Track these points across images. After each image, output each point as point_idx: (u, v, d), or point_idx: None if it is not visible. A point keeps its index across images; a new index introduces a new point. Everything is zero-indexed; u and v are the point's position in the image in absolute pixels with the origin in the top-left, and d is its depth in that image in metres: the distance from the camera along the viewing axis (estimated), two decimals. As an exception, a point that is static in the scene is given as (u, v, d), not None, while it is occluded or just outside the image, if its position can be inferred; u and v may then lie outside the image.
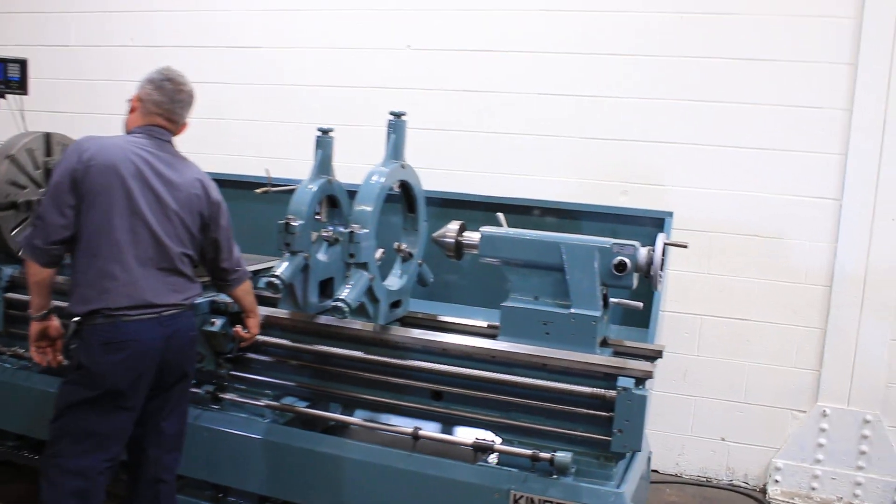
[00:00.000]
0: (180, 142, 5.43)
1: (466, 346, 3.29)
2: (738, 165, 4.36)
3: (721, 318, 4.50)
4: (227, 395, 3.63)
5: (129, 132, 3.01)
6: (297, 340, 3.54)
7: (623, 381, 3.01)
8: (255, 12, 5.27)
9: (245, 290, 3.33)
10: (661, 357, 3.41)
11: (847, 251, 4.21)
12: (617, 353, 3.42)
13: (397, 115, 3.51)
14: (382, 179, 3.38)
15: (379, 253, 3.52)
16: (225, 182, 4.75)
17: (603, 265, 3.19)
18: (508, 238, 3.33)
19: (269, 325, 3.58)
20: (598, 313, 3.17)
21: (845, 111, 4.14)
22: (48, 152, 4.16)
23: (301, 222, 3.49)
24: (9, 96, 4.56)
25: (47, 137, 4.17)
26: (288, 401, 3.70)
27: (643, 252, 3.17)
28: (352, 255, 3.26)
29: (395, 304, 3.65)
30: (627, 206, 4.33)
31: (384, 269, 3.77)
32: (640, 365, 3.07)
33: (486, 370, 3.23)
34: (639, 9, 4.44)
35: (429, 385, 3.34)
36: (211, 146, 5.45)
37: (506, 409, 3.24)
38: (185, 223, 2.96)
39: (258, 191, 3.78)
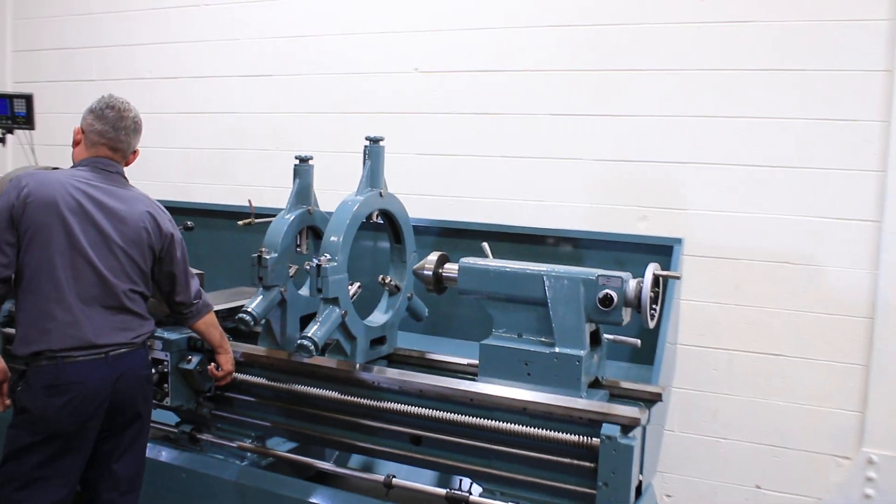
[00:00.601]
0: (193, 172, 5.47)
1: (443, 387, 3.04)
2: (766, 186, 3.97)
3: (752, 354, 4.09)
4: (205, 436, 3.48)
5: (74, 166, 2.90)
6: (274, 379, 3.35)
7: (608, 429, 2.71)
8: (268, 40, 5.17)
9: (207, 324, 3.16)
10: (660, 400, 3.08)
11: (890, 278, 3.75)
12: (613, 396, 3.12)
13: (374, 141, 3.32)
14: (354, 208, 3.18)
15: (354, 287, 3.32)
16: (240, 214, 4.68)
17: (588, 299, 2.90)
18: (488, 270, 3.08)
19: (247, 363, 3.42)
20: (582, 352, 2.88)
21: (882, 123, 3.71)
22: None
23: (274, 255, 3.32)
24: (17, 131, 4.59)
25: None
26: (274, 441, 3.55)
27: (632, 284, 2.87)
28: (319, 290, 3.07)
29: (380, 341, 3.43)
30: (639, 232, 3.99)
31: (372, 303, 3.57)
32: (627, 410, 2.76)
33: (465, 414, 2.98)
34: (653, 21, 4.13)
35: (406, 429, 3.11)
36: (226, 177, 5.39)
37: (487, 456, 2.97)
38: (133, 258, 2.82)
39: (241, 223, 3.63)
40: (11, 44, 6.10)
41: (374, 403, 3.13)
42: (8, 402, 2.85)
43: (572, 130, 4.36)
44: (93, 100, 2.98)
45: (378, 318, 3.44)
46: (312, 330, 3.05)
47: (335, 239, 3.10)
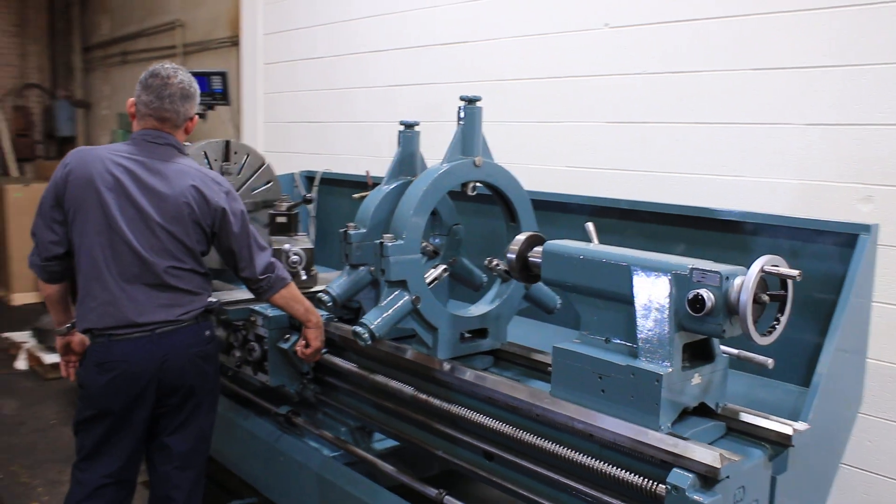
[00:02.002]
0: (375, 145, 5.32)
1: (513, 397, 2.51)
2: None
3: None
4: (299, 420, 3.31)
5: None
6: (364, 367, 3.07)
7: (676, 477, 2.01)
8: (462, 5, 4.85)
9: (286, 298, 2.98)
10: (791, 445, 2.23)
11: None
12: (731, 431, 2.34)
13: (470, 101, 2.85)
14: (433, 177, 2.75)
15: (437, 270, 2.89)
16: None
17: (679, 300, 2.18)
18: (571, 256, 2.46)
19: (341, 346, 3.18)
20: (665, 369, 2.17)
21: None
22: (226, 158, 4.22)
23: (362, 230, 3.01)
24: (219, 108, 4.79)
25: (226, 144, 4.25)
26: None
27: (737, 283, 2.10)
28: (383, 272, 2.70)
29: (480, 334, 2.96)
30: (860, 220, 2.98)
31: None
32: (706, 455, 2.01)
33: (531, 432, 2.44)
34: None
35: (474, 441, 2.64)
36: (427, 149, 5.19)
37: (555, 486, 2.40)
38: (175, 235, 2.72)
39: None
40: (262, 27, 6.49)
41: (446, 406, 2.70)
42: (69, 371, 2.96)
43: (775, 87, 3.45)
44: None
45: (479, 308, 2.97)
46: (371, 315, 2.69)
47: (405, 215, 2.71)
